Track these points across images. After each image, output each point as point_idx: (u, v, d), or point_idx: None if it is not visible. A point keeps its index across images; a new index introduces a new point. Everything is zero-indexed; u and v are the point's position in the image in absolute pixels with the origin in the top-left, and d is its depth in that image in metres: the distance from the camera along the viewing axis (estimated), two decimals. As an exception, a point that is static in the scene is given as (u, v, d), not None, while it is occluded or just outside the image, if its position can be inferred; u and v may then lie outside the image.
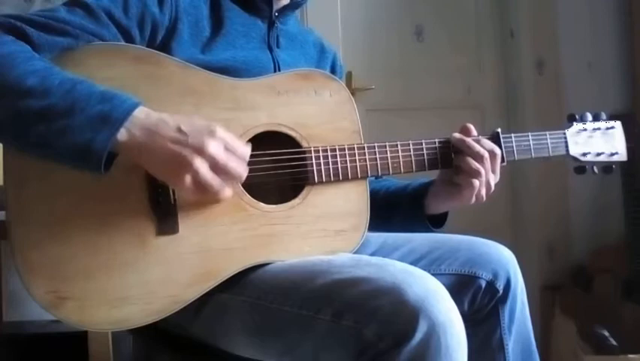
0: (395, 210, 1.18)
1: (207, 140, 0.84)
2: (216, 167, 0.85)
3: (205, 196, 0.87)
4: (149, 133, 0.83)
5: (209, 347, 1.01)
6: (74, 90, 0.82)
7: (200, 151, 0.83)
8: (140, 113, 0.83)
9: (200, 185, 0.85)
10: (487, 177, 1.08)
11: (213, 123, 0.86)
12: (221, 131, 0.86)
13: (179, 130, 0.84)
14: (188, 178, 0.84)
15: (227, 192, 0.88)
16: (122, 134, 0.81)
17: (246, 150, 0.89)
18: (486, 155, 1.07)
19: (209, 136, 0.84)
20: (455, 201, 1.12)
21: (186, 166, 0.83)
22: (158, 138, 0.83)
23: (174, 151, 0.83)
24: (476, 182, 1.06)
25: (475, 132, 1.12)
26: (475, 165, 1.06)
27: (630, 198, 2.13)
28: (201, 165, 0.83)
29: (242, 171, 0.87)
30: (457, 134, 1.10)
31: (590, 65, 2.51)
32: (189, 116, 0.87)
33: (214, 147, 0.84)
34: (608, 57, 2.52)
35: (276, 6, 1.12)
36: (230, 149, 0.86)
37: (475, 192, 1.07)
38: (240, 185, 0.95)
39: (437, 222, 1.18)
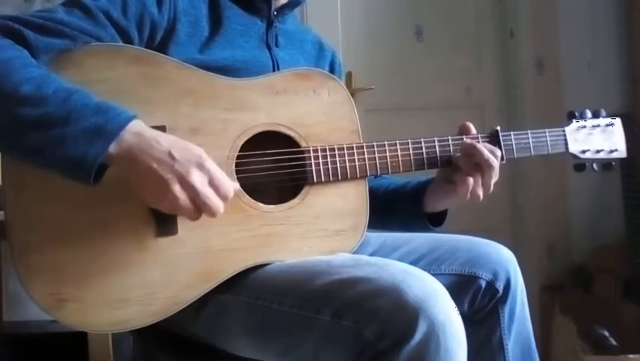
0: (394, 208, 1.18)
1: (193, 170, 0.84)
2: (195, 199, 0.85)
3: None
4: (139, 150, 0.83)
5: (210, 347, 1.01)
6: (70, 100, 0.81)
7: (182, 179, 0.83)
8: (134, 127, 0.83)
9: (175, 210, 0.85)
10: (489, 181, 1.07)
11: (205, 155, 0.86)
12: (209, 164, 0.86)
13: (169, 154, 0.83)
14: (165, 203, 0.84)
15: (198, 218, 0.88)
16: (113, 148, 0.81)
17: (230, 189, 0.88)
18: (494, 164, 1.06)
19: (196, 167, 0.84)
20: (451, 199, 1.12)
21: (165, 191, 0.83)
22: (146, 157, 0.83)
23: (157, 173, 0.83)
24: (470, 180, 1.06)
25: (474, 131, 1.12)
26: (473, 166, 1.06)
27: (630, 198, 2.13)
28: (180, 194, 0.83)
29: (217, 208, 0.86)
30: (468, 140, 1.09)
31: (590, 64, 2.51)
32: (186, 142, 0.86)
33: (197, 178, 0.84)
34: (608, 57, 2.51)
35: (275, 5, 1.12)
36: (214, 184, 0.86)
37: (470, 190, 1.07)
38: (240, 186, 0.95)
39: (437, 221, 1.18)
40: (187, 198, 0.84)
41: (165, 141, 0.84)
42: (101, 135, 0.80)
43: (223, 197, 0.87)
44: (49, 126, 0.80)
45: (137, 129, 0.83)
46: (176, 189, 0.83)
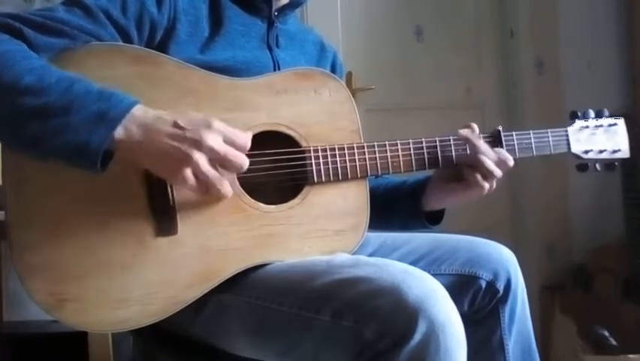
0: (394, 208, 1.18)
1: (205, 133, 0.83)
2: (215, 159, 0.84)
3: (205, 193, 0.87)
4: (146, 130, 0.82)
5: (210, 347, 1.01)
6: (72, 88, 0.81)
7: (199, 144, 0.83)
8: (138, 111, 0.83)
9: (200, 179, 0.84)
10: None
11: (210, 116, 0.86)
12: (218, 124, 0.85)
13: (176, 125, 0.83)
14: (188, 172, 0.83)
15: (226, 187, 0.87)
16: (119, 133, 0.81)
17: (246, 139, 0.88)
18: (510, 163, 1.08)
19: (207, 129, 0.84)
20: (452, 198, 1.12)
21: (185, 160, 0.82)
22: (156, 135, 0.82)
23: (172, 146, 0.82)
24: (486, 184, 1.07)
25: (477, 131, 1.11)
26: (495, 168, 1.07)
27: (630, 198, 2.13)
28: (200, 158, 0.83)
29: (242, 160, 0.86)
30: (482, 144, 1.09)
31: (590, 64, 2.51)
32: (185, 111, 0.86)
33: (212, 139, 0.83)
34: (608, 57, 2.52)
35: (276, 5, 1.12)
36: (229, 140, 0.86)
37: (480, 194, 1.08)
38: (239, 185, 0.95)
39: (435, 219, 1.18)
40: (207, 163, 0.84)
41: (168, 115, 0.84)
42: (104, 121, 0.80)
43: (242, 149, 0.87)
44: (52, 115, 0.79)
45: (141, 113, 0.83)
46: (195, 155, 0.82)
